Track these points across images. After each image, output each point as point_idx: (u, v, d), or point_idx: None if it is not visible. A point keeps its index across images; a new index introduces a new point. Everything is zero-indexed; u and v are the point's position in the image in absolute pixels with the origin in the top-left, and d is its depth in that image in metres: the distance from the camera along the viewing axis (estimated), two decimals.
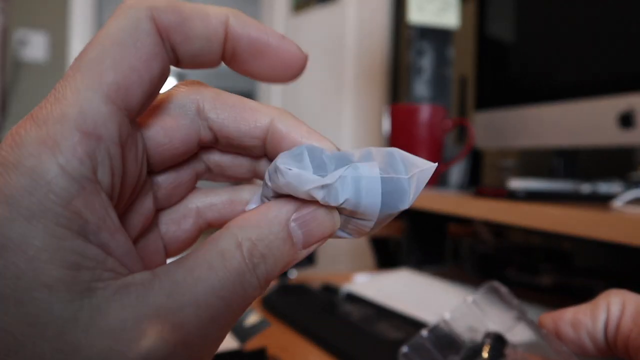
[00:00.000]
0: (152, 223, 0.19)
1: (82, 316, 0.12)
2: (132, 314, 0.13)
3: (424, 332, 0.24)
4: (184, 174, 0.19)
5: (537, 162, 1.14)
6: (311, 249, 0.17)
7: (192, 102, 0.18)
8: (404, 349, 0.24)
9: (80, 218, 0.13)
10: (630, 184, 0.67)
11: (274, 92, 2.24)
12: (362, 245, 1.52)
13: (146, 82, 0.15)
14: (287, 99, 2.20)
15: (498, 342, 0.24)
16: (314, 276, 0.83)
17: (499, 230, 0.98)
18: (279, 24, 2.21)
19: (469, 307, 0.24)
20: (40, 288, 0.12)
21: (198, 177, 0.20)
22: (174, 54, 0.16)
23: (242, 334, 0.44)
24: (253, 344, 0.46)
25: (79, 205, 0.13)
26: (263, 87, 2.31)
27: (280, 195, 0.17)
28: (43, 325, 0.12)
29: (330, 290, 0.71)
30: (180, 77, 7.45)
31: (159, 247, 0.19)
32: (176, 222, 0.19)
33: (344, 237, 0.17)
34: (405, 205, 0.16)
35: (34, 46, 2.15)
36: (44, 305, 0.12)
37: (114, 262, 0.14)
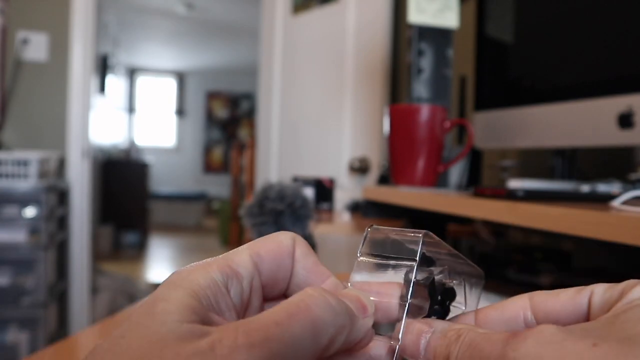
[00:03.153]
0: None
1: None
2: None
3: None
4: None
5: (536, 162, 1.14)
6: None
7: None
8: None
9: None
10: (629, 184, 0.68)
11: (274, 93, 2.24)
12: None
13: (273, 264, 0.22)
14: (288, 100, 2.20)
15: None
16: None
17: (499, 230, 0.98)
18: (279, 25, 2.21)
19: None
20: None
21: None
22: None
23: None
24: None
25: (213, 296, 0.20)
26: (263, 89, 2.31)
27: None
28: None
29: None
30: (180, 77, 7.34)
31: None
32: None
33: None
34: None
35: (35, 47, 2.15)
36: None
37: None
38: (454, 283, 0.24)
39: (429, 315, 0.22)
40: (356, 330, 0.20)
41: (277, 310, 0.18)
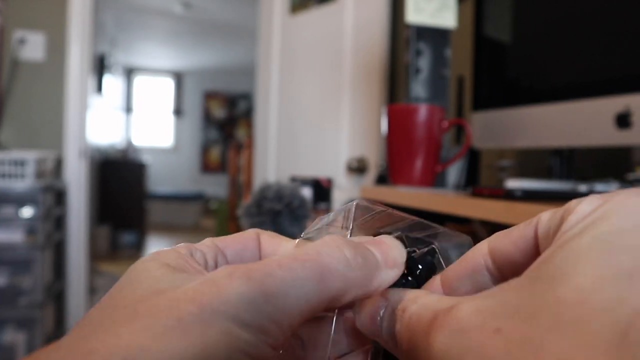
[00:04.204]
0: None
1: None
2: None
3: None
4: None
5: (534, 162, 1.14)
6: None
7: None
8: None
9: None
10: (627, 184, 0.68)
11: (272, 94, 2.24)
12: None
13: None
14: (286, 100, 2.20)
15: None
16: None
17: (497, 230, 0.98)
18: (277, 25, 2.21)
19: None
20: None
21: (293, 347, 0.22)
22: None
23: None
24: None
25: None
26: (261, 89, 2.31)
27: None
28: None
29: None
30: (177, 77, 7.32)
31: None
32: None
33: None
34: None
35: (32, 46, 2.15)
36: None
37: None
38: (434, 259, 0.22)
39: (402, 286, 0.20)
40: (377, 282, 0.19)
41: (284, 255, 0.17)
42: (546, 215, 0.17)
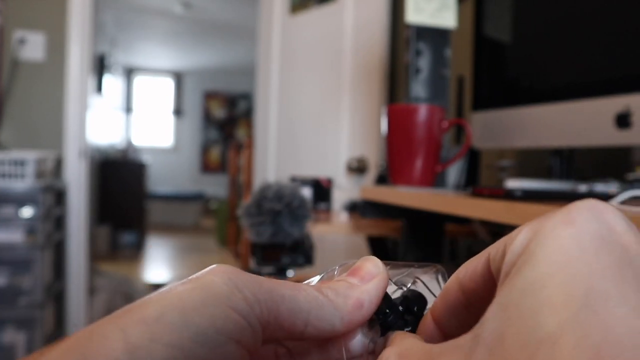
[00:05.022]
0: None
1: None
2: None
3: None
4: (265, 353, 0.22)
5: (534, 162, 1.14)
6: None
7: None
8: None
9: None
10: (626, 184, 0.68)
11: (272, 94, 2.24)
12: (359, 245, 1.52)
13: None
14: (286, 100, 2.20)
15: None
16: (312, 276, 0.83)
17: (497, 230, 0.98)
18: (277, 25, 2.21)
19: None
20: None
21: (278, 356, 0.22)
22: None
23: None
24: None
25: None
26: (261, 89, 2.31)
27: None
28: None
29: None
30: (177, 77, 7.31)
31: None
32: None
33: None
34: None
35: (32, 46, 2.15)
36: None
37: None
38: (415, 288, 0.23)
39: (401, 328, 0.21)
40: (355, 300, 0.20)
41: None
42: (493, 249, 0.17)
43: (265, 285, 0.19)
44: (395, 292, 0.22)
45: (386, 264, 0.23)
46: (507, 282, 0.14)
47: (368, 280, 0.21)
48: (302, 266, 0.81)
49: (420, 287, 0.23)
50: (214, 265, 0.19)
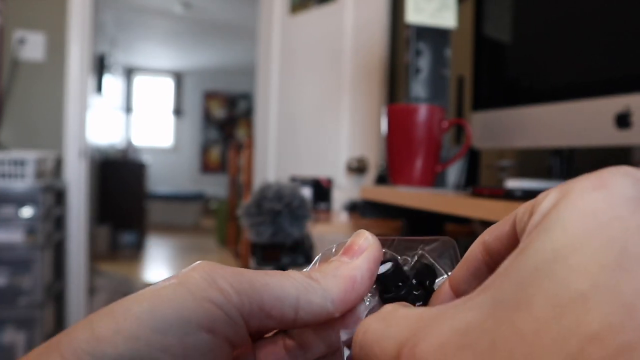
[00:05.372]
0: None
1: None
2: None
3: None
4: (273, 347, 0.22)
5: (534, 162, 1.14)
6: None
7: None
8: None
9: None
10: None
11: (272, 94, 2.24)
12: None
13: None
14: (286, 100, 2.20)
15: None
16: None
17: None
18: (277, 25, 2.21)
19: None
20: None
21: (288, 349, 0.22)
22: None
23: None
24: None
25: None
26: (261, 89, 2.31)
27: None
28: None
29: None
30: (177, 77, 7.30)
31: None
32: None
33: None
34: None
35: (32, 46, 2.15)
36: None
37: None
38: (429, 261, 0.22)
39: (411, 301, 0.20)
40: (347, 278, 0.20)
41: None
42: (521, 209, 0.17)
43: (246, 276, 0.19)
44: (404, 267, 0.22)
45: (392, 240, 0.22)
46: (533, 242, 0.14)
47: (359, 255, 0.21)
48: (302, 266, 0.81)
49: (428, 262, 0.22)
50: (196, 262, 0.19)
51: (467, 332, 0.13)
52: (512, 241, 0.18)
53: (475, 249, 0.20)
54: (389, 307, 0.18)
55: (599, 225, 0.13)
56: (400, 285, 0.21)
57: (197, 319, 0.17)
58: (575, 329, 0.12)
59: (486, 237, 0.19)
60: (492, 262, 0.19)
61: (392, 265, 0.21)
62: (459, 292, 0.20)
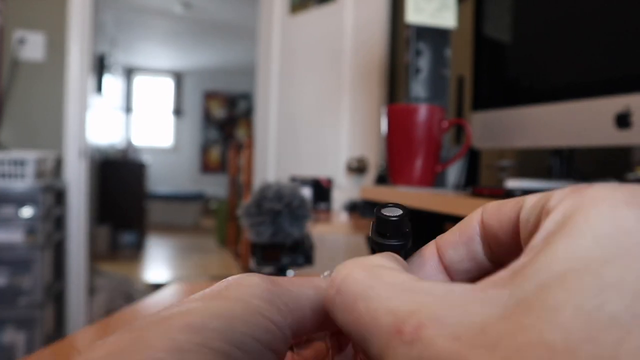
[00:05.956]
0: None
1: None
2: None
3: None
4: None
5: (534, 162, 1.14)
6: None
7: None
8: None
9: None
10: (626, 184, 0.68)
11: (272, 94, 2.24)
12: (359, 245, 1.52)
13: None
14: (286, 100, 2.20)
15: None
16: (312, 275, 0.83)
17: None
18: (277, 25, 2.21)
19: None
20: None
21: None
22: None
23: None
24: None
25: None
26: (261, 89, 2.31)
27: None
28: None
29: None
30: (177, 76, 7.30)
31: None
32: None
33: None
34: None
35: (32, 46, 2.15)
36: None
37: None
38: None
39: (403, 256, 0.20)
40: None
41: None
42: (530, 201, 0.17)
43: (294, 292, 0.20)
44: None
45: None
46: (556, 244, 0.13)
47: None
48: (302, 266, 0.81)
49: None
50: (244, 275, 0.20)
51: (484, 330, 0.13)
52: (513, 228, 0.18)
53: (473, 220, 0.20)
54: (376, 260, 0.18)
55: (634, 245, 0.13)
56: (388, 235, 0.20)
57: (266, 340, 0.18)
58: (613, 355, 0.11)
59: (486, 212, 0.19)
60: (486, 238, 0.19)
61: (403, 214, 0.20)
62: (443, 256, 0.20)
